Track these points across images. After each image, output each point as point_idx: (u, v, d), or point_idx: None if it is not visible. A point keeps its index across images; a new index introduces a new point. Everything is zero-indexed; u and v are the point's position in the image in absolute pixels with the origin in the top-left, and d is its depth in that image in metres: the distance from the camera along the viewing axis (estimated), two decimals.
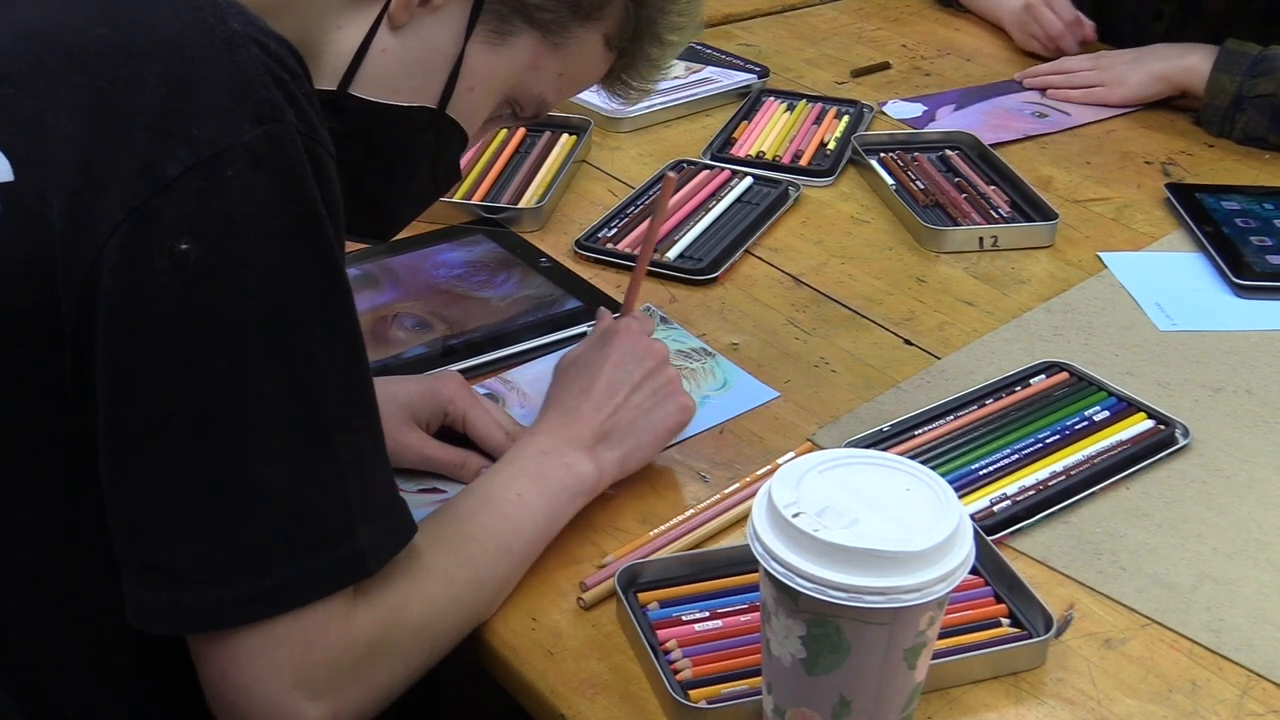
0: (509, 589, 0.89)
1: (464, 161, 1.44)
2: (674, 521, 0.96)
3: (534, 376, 1.13)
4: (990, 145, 1.53)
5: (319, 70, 0.83)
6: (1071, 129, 1.62)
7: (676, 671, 0.84)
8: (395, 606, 0.79)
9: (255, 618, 0.73)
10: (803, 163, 1.50)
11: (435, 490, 0.99)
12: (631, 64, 0.95)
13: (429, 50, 0.86)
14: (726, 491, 0.99)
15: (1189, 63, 1.62)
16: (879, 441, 1.05)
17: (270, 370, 0.72)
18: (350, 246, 1.29)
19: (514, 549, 0.89)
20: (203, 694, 0.76)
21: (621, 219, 1.36)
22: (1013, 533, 0.96)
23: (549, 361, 1.15)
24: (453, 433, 1.01)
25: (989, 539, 0.94)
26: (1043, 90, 1.71)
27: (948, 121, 1.60)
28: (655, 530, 0.95)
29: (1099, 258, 1.34)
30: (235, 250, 0.70)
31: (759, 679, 0.79)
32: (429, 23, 0.85)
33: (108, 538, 0.74)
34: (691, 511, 0.97)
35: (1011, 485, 1.01)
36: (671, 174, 1.20)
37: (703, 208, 1.39)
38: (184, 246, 0.69)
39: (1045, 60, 1.79)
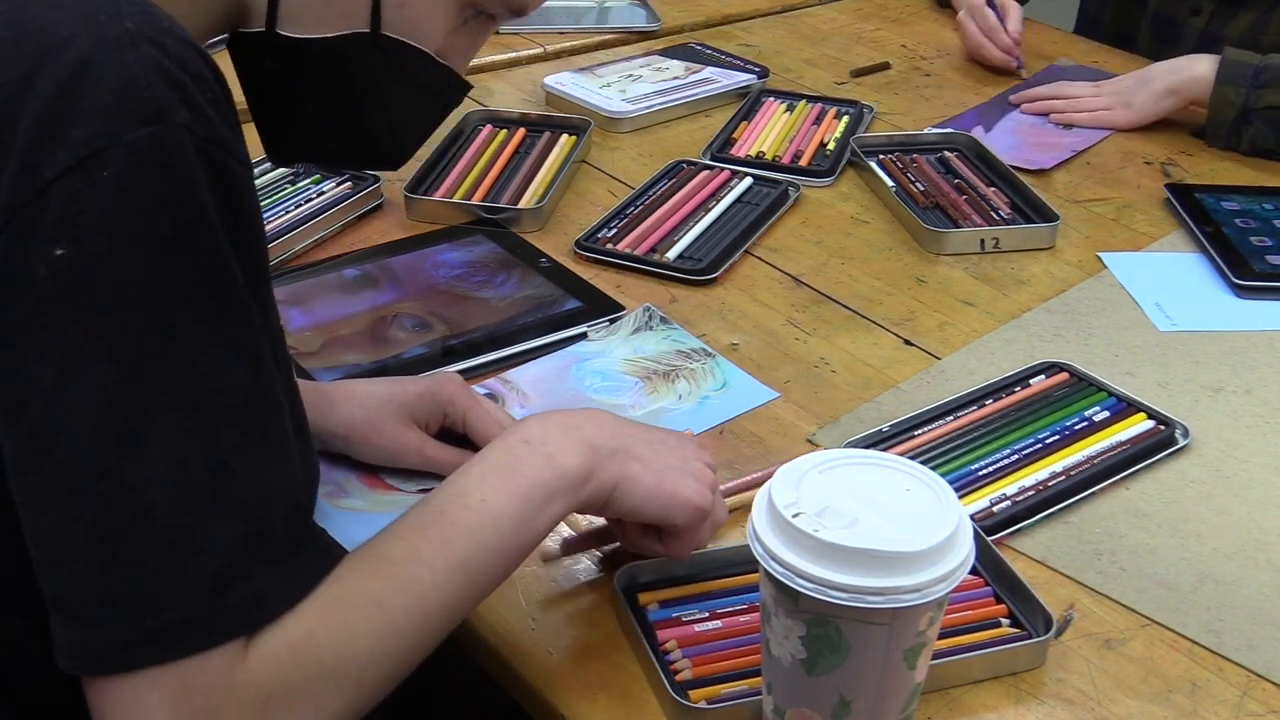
0: (469, 609, 0.79)
1: (463, 162, 1.46)
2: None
3: (534, 377, 1.13)
4: (1051, 168, 1.51)
5: (250, 13, 0.81)
6: (1104, 139, 1.60)
7: (676, 672, 0.84)
8: (295, 644, 0.70)
9: (138, 663, 0.66)
10: (802, 163, 1.51)
11: None
12: None
13: None
14: (725, 488, 0.99)
15: (1196, 73, 1.58)
16: (879, 441, 1.05)
17: (153, 388, 0.66)
18: (350, 247, 1.30)
19: (471, 566, 0.77)
20: None
21: (621, 219, 1.36)
22: (1013, 533, 0.96)
23: (549, 362, 1.15)
24: (453, 434, 1.01)
25: (989, 539, 0.94)
26: (1046, 115, 1.66)
27: (987, 145, 1.54)
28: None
29: (1099, 258, 1.34)
30: (109, 254, 0.65)
31: (759, 679, 0.79)
32: None
33: None
34: None
35: (1011, 485, 1.01)
36: None
37: (703, 208, 1.39)
38: (59, 252, 0.64)
39: (996, 70, 1.77)
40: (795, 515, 0.71)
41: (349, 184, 1.38)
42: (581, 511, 0.84)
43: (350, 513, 0.97)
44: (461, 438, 1.01)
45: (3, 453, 0.69)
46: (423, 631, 0.75)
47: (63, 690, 0.71)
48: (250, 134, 0.78)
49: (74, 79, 0.67)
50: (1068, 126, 1.62)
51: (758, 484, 0.94)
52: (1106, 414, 1.09)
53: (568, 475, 0.81)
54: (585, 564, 0.93)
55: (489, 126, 1.54)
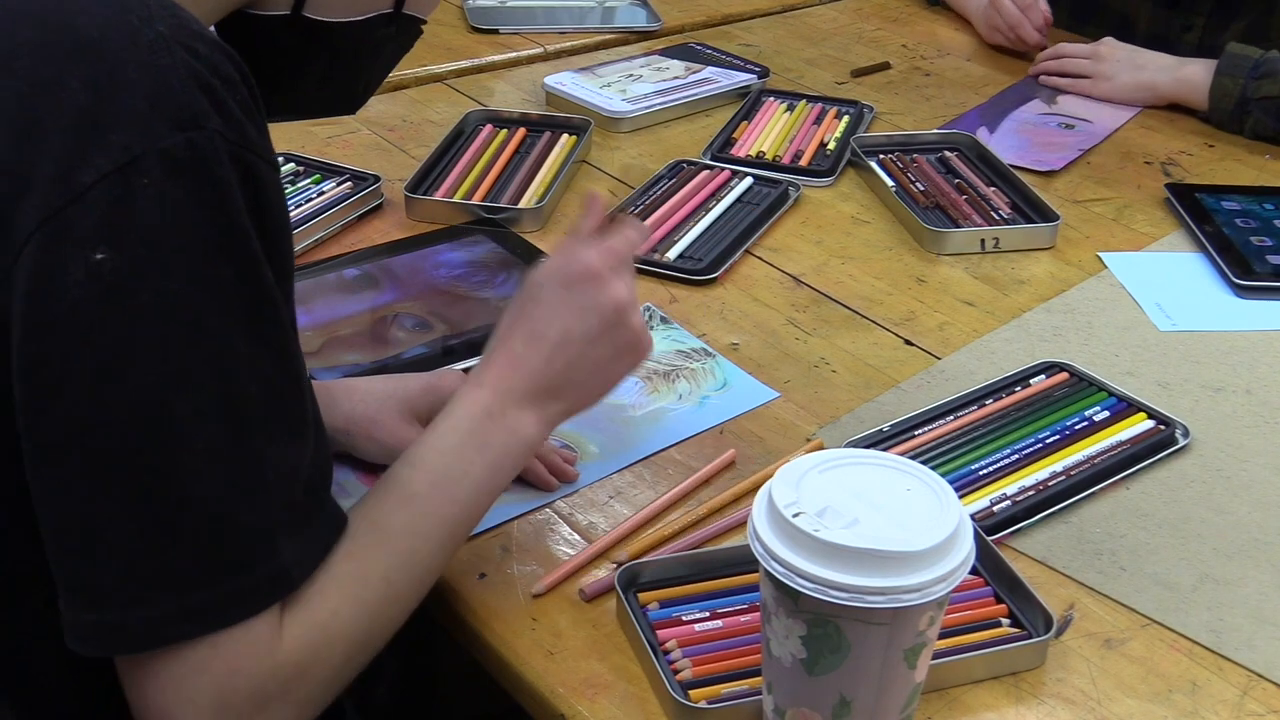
0: (445, 568, 0.85)
1: (463, 161, 1.46)
2: (673, 518, 0.96)
3: None
4: (1061, 168, 1.51)
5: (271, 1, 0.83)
6: (1107, 137, 1.61)
7: (677, 671, 0.84)
8: (325, 624, 0.76)
9: (177, 638, 0.70)
10: (803, 163, 1.51)
11: None
12: None
13: None
14: (726, 490, 0.99)
15: (1184, 75, 1.64)
16: (879, 441, 1.05)
17: (191, 386, 0.69)
18: (350, 247, 1.30)
19: (458, 532, 0.84)
20: None
21: None
22: (1013, 533, 0.96)
23: None
24: None
25: (989, 539, 0.94)
26: (1035, 76, 1.74)
27: (992, 146, 1.54)
28: (655, 529, 0.95)
29: (1099, 258, 1.34)
30: (151, 259, 0.68)
31: (759, 679, 0.79)
32: None
33: None
34: (686, 510, 0.97)
35: (1011, 485, 1.01)
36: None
37: (703, 208, 1.39)
38: (99, 256, 0.66)
39: (1012, 54, 1.81)
40: (795, 515, 0.71)
41: (349, 184, 1.38)
42: None
43: None
44: None
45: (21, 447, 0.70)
46: (418, 595, 0.82)
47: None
48: None
49: (109, 83, 0.68)
50: (1069, 126, 1.63)
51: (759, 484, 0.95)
52: (1106, 414, 1.09)
53: (531, 441, 0.87)
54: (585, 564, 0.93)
55: (489, 126, 1.54)
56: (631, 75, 1.70)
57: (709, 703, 0.81)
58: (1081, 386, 1.12)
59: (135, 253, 0.67)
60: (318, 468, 0.77)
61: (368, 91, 0.96)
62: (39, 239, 0.67)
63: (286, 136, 1.48)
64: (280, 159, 1.16)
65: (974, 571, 0.91)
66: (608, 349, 0.88)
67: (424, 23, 0.91)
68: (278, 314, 0.73)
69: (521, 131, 1.53)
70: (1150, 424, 1.08)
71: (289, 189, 1.37)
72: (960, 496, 0.85)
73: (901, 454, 0.91)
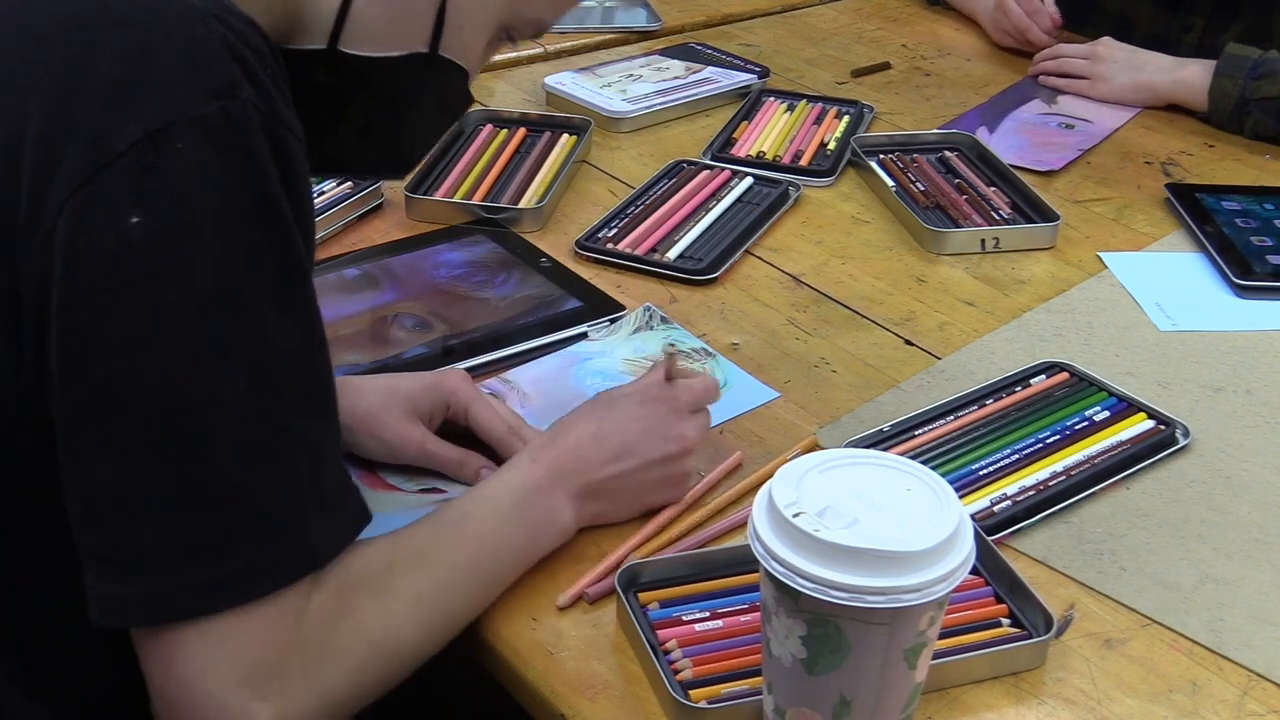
0: (473, 618, 0.87)
1: (464, 161, 1.46)
2: (672, 517, 0.96)
3: (534, 377, 1.13)
4: (1061, 168, 1.51)
5: (307, 30, 0.82)
6: (1107, 137, 1.61)
7: (677, 671, 0.84)
8: (351, 614, 0.78)
9: (204, 610, 0.71)
10: (803, 163, 1.51)
11: (436, 490, 0.99)
12: None
13: None
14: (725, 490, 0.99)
15: (1182, 75, 1.64)
16: (879, 441, 1.05)
17: (223, 351, 0.70)
18: (350, 247, 1.30)
19: (489, 585, 0.87)
20: None
21: (621, 219, 1.36)
22: (1013, 533, 0.96)
23: (549, 362, 1.15)
24: (454, 434, 1.01)
25: (989, 539, 0.94)
26: (1034, 76, 1.74)
27: (993, 147, 1.54)
28: (653, 529, 0.95)
29: (1099, 258, 1.34)
30: (185, 226, 0.69)
31: (759, 679, 0.79)
32: None
33: None
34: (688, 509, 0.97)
35: (1012, 485, 1.01)
36: (670, 347, 1.09)
37: (703, 208, 1.39)
38: (133, 220, 0.67)
39: (1013, 54, 1.82)
40: (796, 515, 0.71)
41: (349, 184, 1.38)
42: None
43: None
44: (462, 438, 1.01)
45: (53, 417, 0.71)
46: (444, 630, 0.83)
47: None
48: None
49: (142, 52, 0.69)
50: (1069, 126, 1.63)
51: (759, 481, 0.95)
52: (1107, 414, 1.09)
53: (565, 531, 0.92)
54: (587, 564, 0.93)
55: (489, 126, 1.54)
56: (631, 75, 1.70)
57: (709, 703, 0.81)
58: (1081, 386, 1.12)
59: (167, 218, 0.68)
60: (341, 451, 0.79)
61: (414, 150, 0.94)
62: (72, 206, 0.68)
63: None
64: None
65: (974, 571, 0.91)
66: (657, 476, 0.95)
67: (465, 76, 0.89)
68: (306, 285, 0.74)
69: (522, 131, 1.53)
70: (1150, 424, 1.08)
71: None
72: (960, 496, 0.85)
73: (901, 454, 0.91)
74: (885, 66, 1.81)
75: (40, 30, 0.72)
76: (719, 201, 1.40)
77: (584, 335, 1.18)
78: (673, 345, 1.12)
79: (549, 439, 0.93)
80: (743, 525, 0.95)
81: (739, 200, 1.41)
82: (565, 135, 1.53)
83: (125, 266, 0.68)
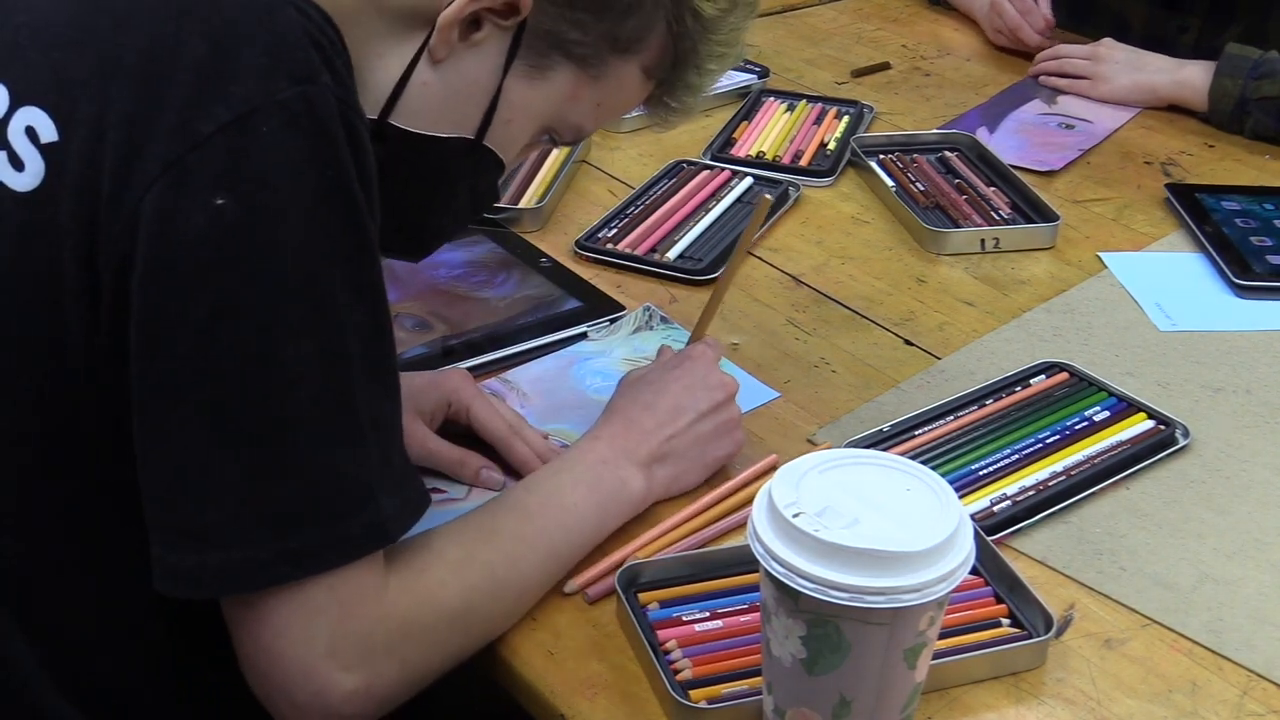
0: (546, 590, 0.89)
1: None
2: (674, 520, 0.96)
3: (534, 376, 1.13)
4: (1061, 168, 1.51)
5: (360, 98, 0.82)
6: (1107, 137, 1.61)
7: (677, 671, 0.84)
8: (431, 589, 0.80)
9: (283, 579, 0.74)
10: (803, 163, 1.50)
11: (436, 490, 0.99)
12: (671, 90, 0.92)
13: (468, 84, 0.85)
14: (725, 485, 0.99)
15: (1183, 76, 1.64)
16: (879, 441, 1.05)
17: (301, 329, 0.72)
18: None
19: (561, 556, 0.89)
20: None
21: (622, 219, 1.36)
22: (1013, 533, 0.96)
23: (549, 361, 1.15)
24: (455, 434, 1.01)
25: (989, 539, 0.94)
26: (1035, 77, 1.74)
27: (992, 147, 1.54)
28: (654, 530, 0.95)
29: (1099, 258, 1.34)
30: (270, 207, 0.71)
31: (759, 679, 0.79)
32: (468, 57, 0.84)
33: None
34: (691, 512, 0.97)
35: (1012, 485, 1.01)
36: (767, 195, 1.12)
37: (703, 208, 1.39)
38: (219, 201, 0.70)
39: (1012, 54, 1.82)
40: (795, 515, 0.71)
41: None
42: None
43: None
44: (463, 438, 1.01)
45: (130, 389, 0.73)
46: (517, 601, 0.87)
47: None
48: None
49: (227, 37, 0.72)
50: (1069, 126, 1.63)
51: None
52: (1107, 414, 1.09)
53: (636, 496, 0.94)
54: (587, 564, 0.93)
55: None
56: None
57: (709, 703, 0.81)
58: (1081, 386, 1.12)
59: (253, 199, 0.70)
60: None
61: (438, 233, 0.95)
62: (161, 185, 0.70)
63: None
64: None
65: (974, 571, 0.91)
66: (710, 427, 0.98)
67: (501, 170, 0.90)
68: (376, 267, 0.76)
69: None
70: (1150, 424, 1.08)
71: None
72: (960, 496, 0.85)
73: (901, 454, 0.91)
74: (885, 66, 1.81)
75: (122, 12, 0.74)
76: (719, 201, 1.40)
77: (584, 335, 1.18)
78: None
79: (602, 421, 0.97)
80: (743, 525, 0.95)
81: (739, 200, 1.41)
82: None
83: (211, 246, 0.70)
